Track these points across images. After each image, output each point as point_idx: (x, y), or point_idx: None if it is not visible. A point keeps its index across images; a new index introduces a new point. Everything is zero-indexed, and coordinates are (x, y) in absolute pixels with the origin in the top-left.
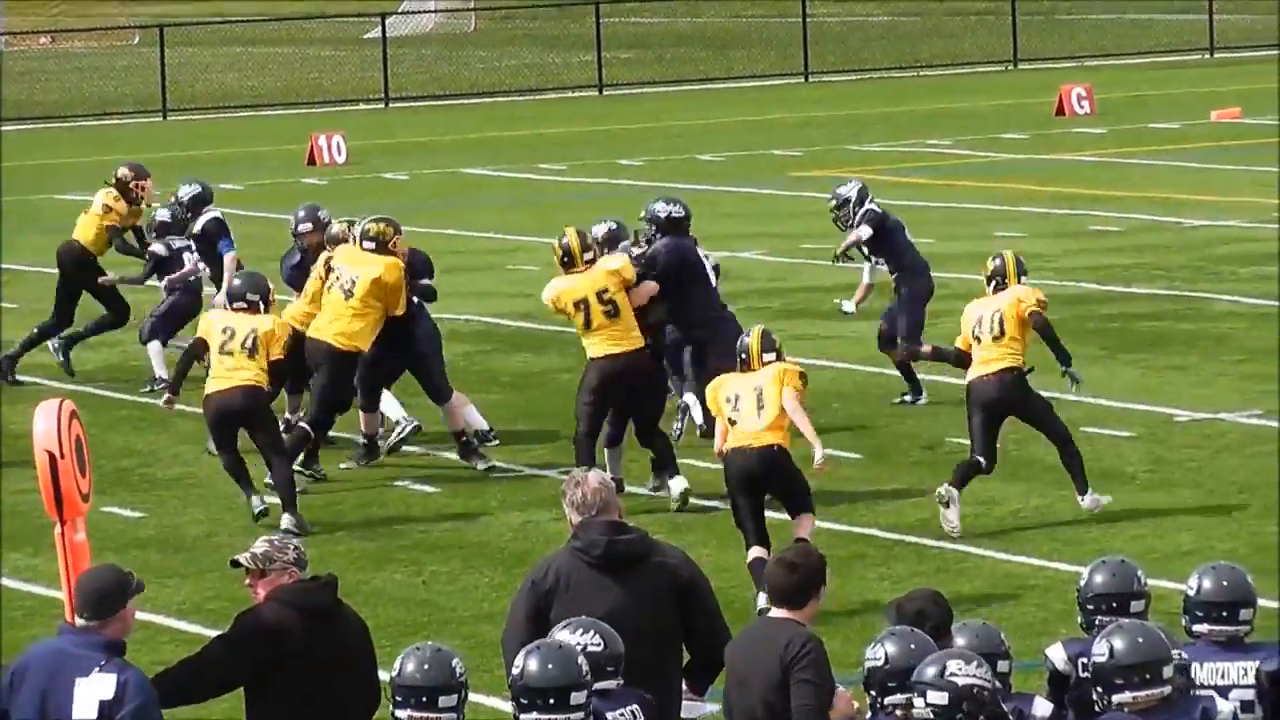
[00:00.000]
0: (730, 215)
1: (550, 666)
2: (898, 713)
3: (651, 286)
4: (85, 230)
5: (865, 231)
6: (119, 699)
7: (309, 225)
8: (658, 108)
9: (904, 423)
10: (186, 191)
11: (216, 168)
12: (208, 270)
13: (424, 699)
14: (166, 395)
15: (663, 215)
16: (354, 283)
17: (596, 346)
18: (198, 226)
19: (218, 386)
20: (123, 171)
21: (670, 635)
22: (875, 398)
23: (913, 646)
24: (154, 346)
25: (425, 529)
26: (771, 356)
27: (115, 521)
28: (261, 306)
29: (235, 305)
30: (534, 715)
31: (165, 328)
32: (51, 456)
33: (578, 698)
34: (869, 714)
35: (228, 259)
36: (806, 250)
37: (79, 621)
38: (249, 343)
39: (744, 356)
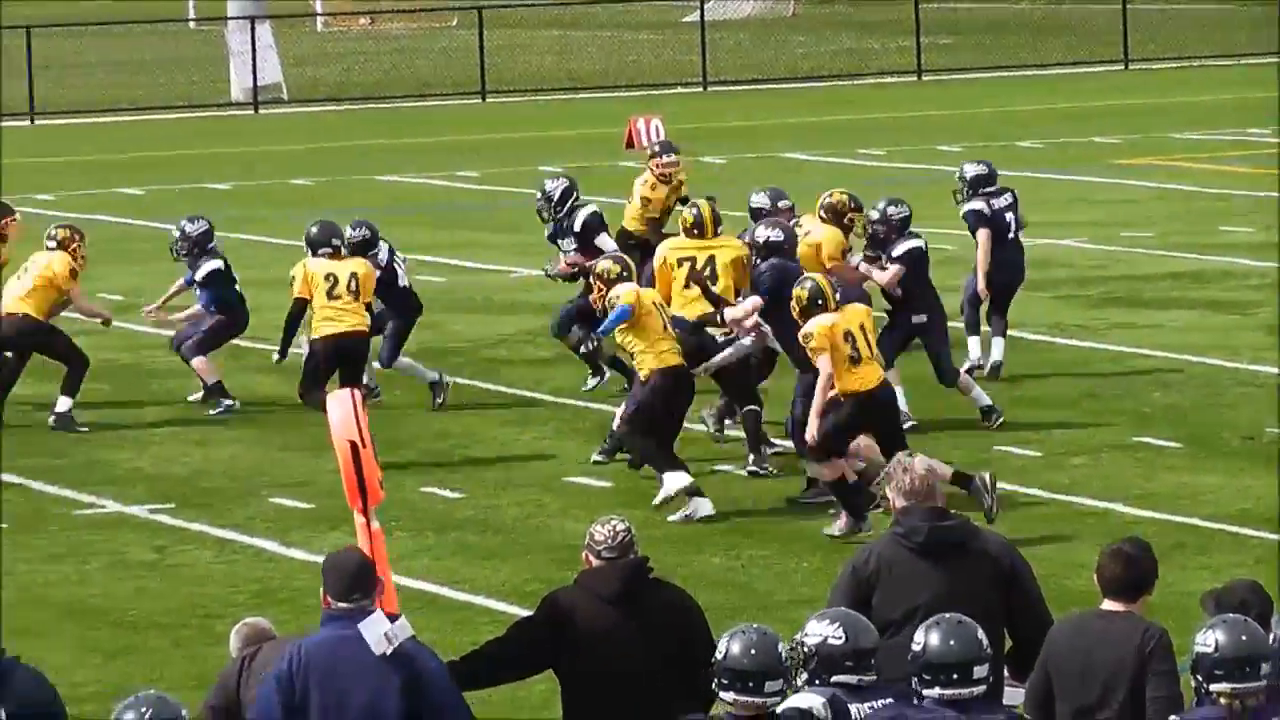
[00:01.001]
0: (1049, 202)
1: (753, 652)
2: (1222, 700)
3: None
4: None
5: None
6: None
7: (786, 203)
8: (976, 94)
9: (1223, 412)
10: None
11: (534, 150)
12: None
13: (750, 684)
14: (277, 358)
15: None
16: None
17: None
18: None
19: (332, 329)
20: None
21: (992, 622)
22: (1194, 387)
23: (1244, 637)
24: (199, 362)
25: (744, 513)
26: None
27: (435, 502)
28: (344, 251)
29: (320, 251)
30: (731, 695)
31: (210, 345)
32: (353, 445)
33: (772, 685)
34: (1194, 700)
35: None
36: (1126, 239)
37: (342, 605)
38: (353, 285)
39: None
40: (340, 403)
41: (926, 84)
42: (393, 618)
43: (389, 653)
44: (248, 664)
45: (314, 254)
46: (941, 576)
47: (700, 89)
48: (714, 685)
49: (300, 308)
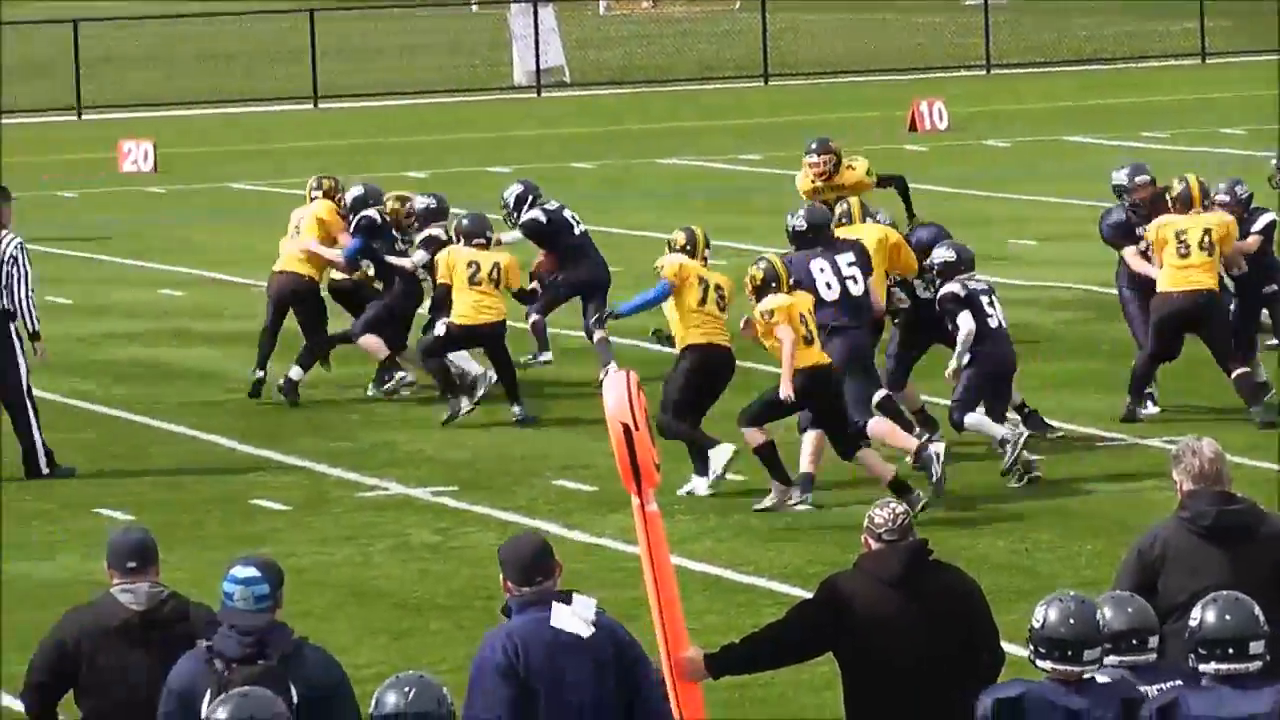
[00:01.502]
0: None
1: (1071, 621)
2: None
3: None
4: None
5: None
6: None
7: (1145, 178)
8: (1260, 76)
9: None
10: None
11: (816, 133)
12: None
13: (1068, 652)
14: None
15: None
16: None
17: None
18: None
19: (469, 320)
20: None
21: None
22: None
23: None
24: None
25: (1028, 496)
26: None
27: (717, 484)
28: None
29: (475, 242)
30: (1049, 664)
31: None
32: (626, 429)
33: (1090, 654)
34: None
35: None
36: None
37: (526, 590)
38: (494, 274)
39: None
40: (615, 385)
41: (1210, 66)
42: (564, 595)
43: (592, 631)
44: None
45: (467, 243)
46: (1228, 560)
47: (983, 72)
48: (1030, 654)
49: (444, 293)
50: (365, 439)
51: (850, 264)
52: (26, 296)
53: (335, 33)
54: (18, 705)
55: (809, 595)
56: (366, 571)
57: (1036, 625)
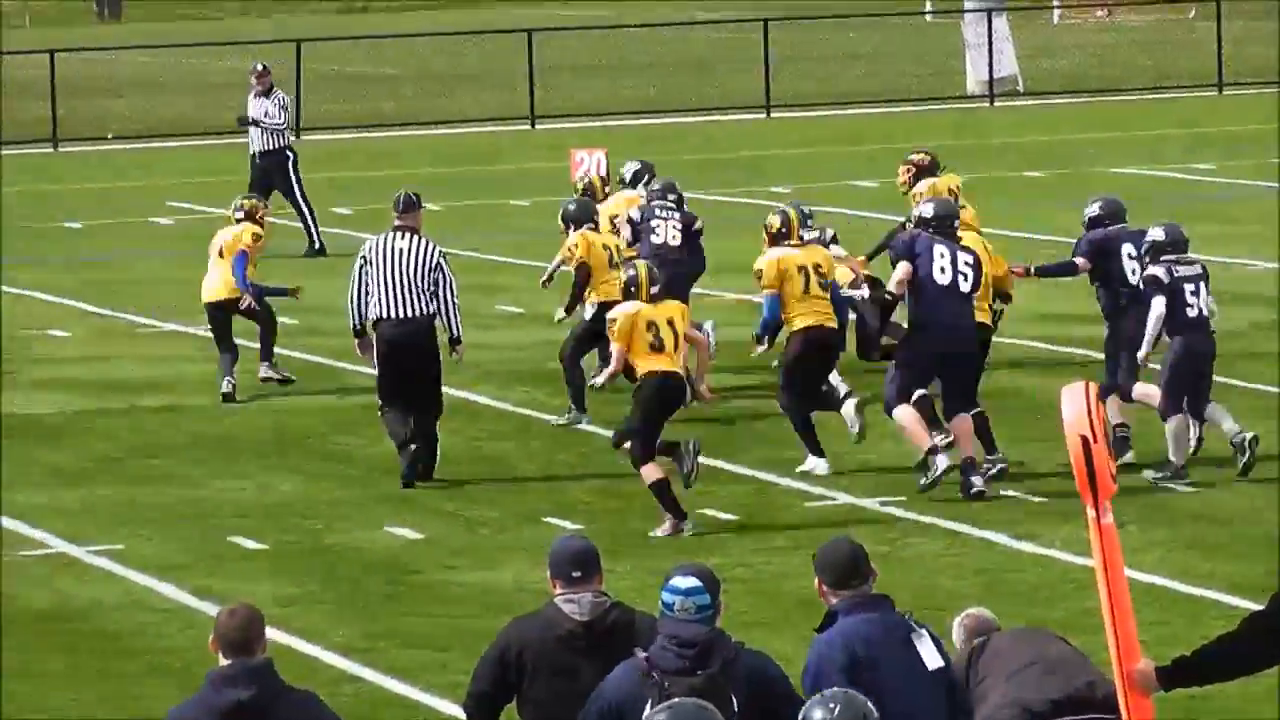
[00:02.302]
0: None
1: None
2: None
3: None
4: None
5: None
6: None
7: None
8: None
9: None
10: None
11: (1271, 141)
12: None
13: None
14: (561, 317)
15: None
16: None
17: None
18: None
19: (607, 296)
20: None
21: None
22: None
23: None
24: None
25: None
26: None
27: (1167, 496)
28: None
29: (586, 226)
30: None
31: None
32: (1084, 440)
33: None
34: None
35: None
36: None
37: (843, 594)
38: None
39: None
40: (1073, 397)
41: None
42: (888, 599)
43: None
44: (975, 657)
45: (576, 229)
46: None
47: None
48: None
49: (586, 274)
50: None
51: (967, 264)
52: (452, 302)
53: (788, 41)
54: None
55: (1259, 608)
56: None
57: None
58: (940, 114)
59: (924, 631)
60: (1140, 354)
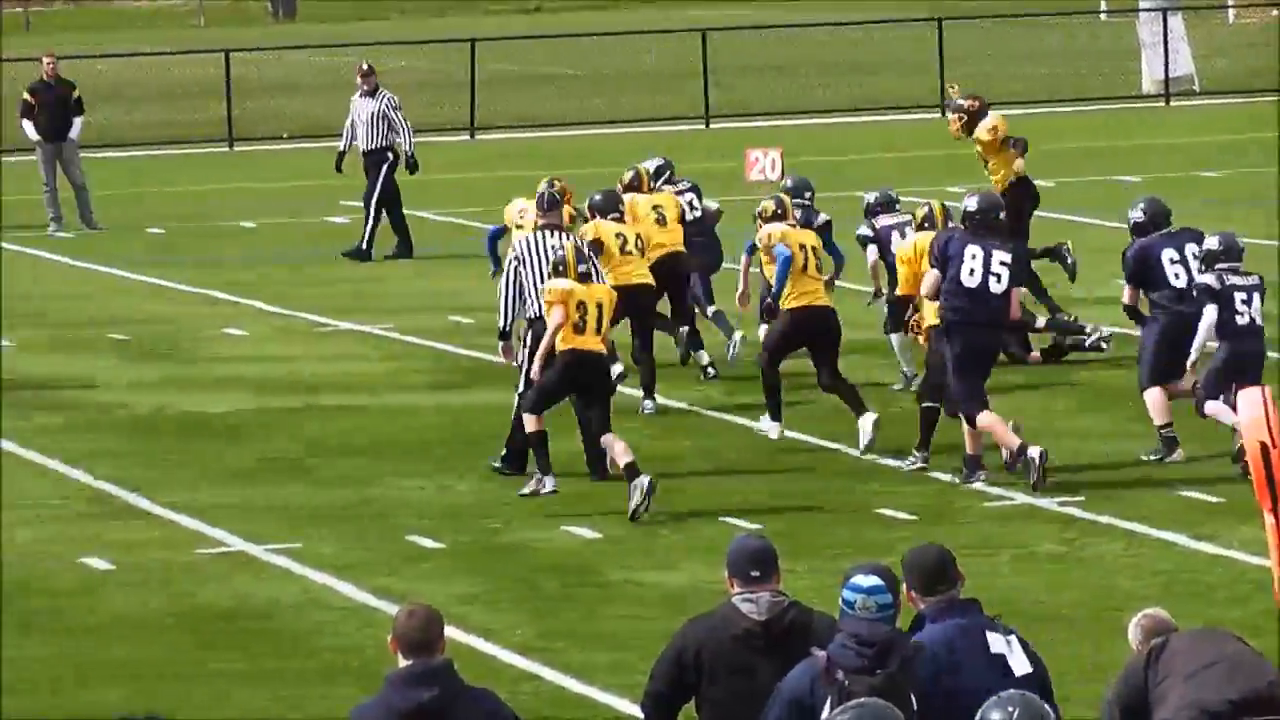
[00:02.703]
0: None
1: None
2: None
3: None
4: None
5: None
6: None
7: None
8: None
9: None
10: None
11: None
12: None
13: None
14: None
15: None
16: None
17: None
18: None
19: (623, 280)
20: None
21: None
22: None
23: None
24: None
25: None
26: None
27: None
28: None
29: (610, 216)
30: None
31: None
32: (1264, 446)
33: None
34: None
35: None
36: None
37: (931, 599)
38: (639, 244)
39: None
40: (1252, 402)
41: None
42: (977, 604)
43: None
44: (1154, 658)
45: (603, 218)
46: None
47: None
48: None
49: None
50: (994, 448)
51: (1002, 263)
52: None
53: (962, 41)
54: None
55: None
56: (992, 581)
57: None
58: (1115, 113)
59: (1012, 637)
60: (1189, 360)
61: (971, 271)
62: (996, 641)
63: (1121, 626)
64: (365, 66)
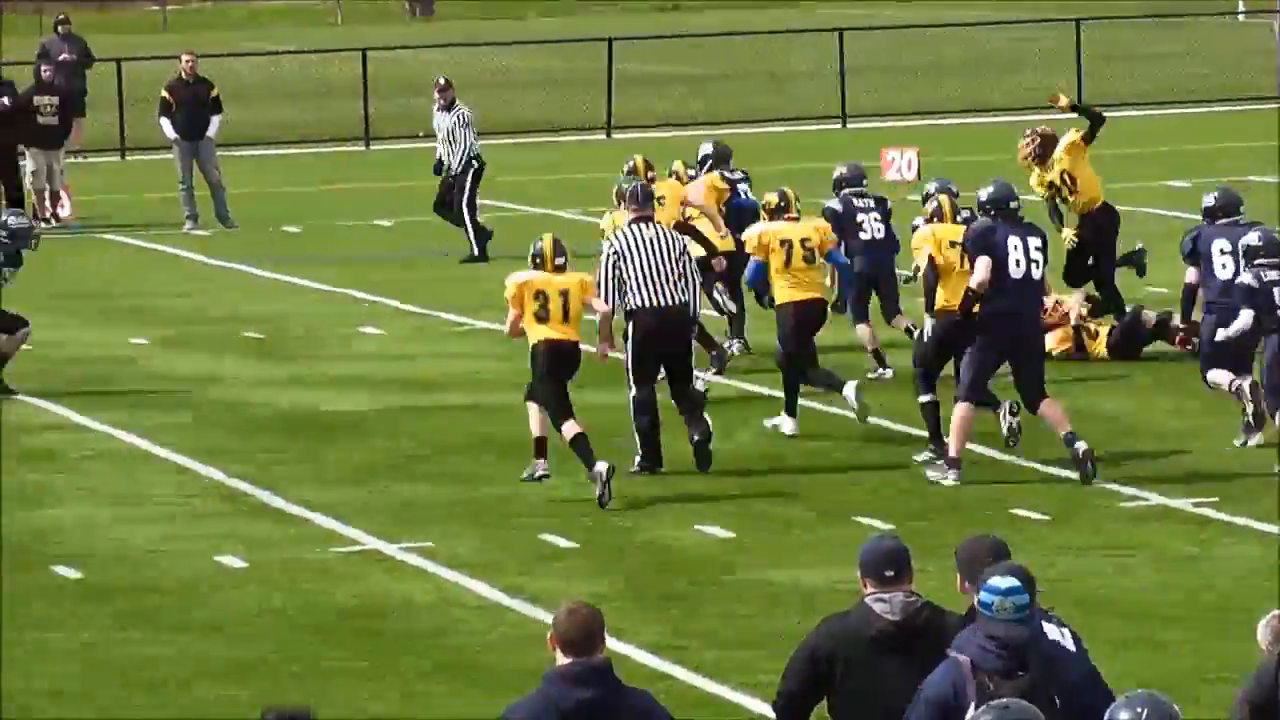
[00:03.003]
0: None
1: None
2: None
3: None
4: None
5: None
6: None
7: None
8: None
9: None
10: None
11: None
12: None
13: None
14: None
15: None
16: None
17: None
18: None
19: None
20: None
21: None
22: None
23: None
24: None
25: None
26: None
27: None
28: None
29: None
30: None
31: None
32: None
33: None
34: None
35: None
36: None
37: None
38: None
39: None
40: None
41: None
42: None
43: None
44: None
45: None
46: None
47: None
48: None
49: None
50: (1127, 449)
51: (1038, 248)
52: (697, 284)
53: (1102, 40)
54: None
55: None
56: (1124, 580)
57: None
58: (1251, 115)
59: (1066, 630)
60: (1217, 338)
61: (1017, 263)
62: (1052, 632)
63: (1252, 628)
64: (442, 81)
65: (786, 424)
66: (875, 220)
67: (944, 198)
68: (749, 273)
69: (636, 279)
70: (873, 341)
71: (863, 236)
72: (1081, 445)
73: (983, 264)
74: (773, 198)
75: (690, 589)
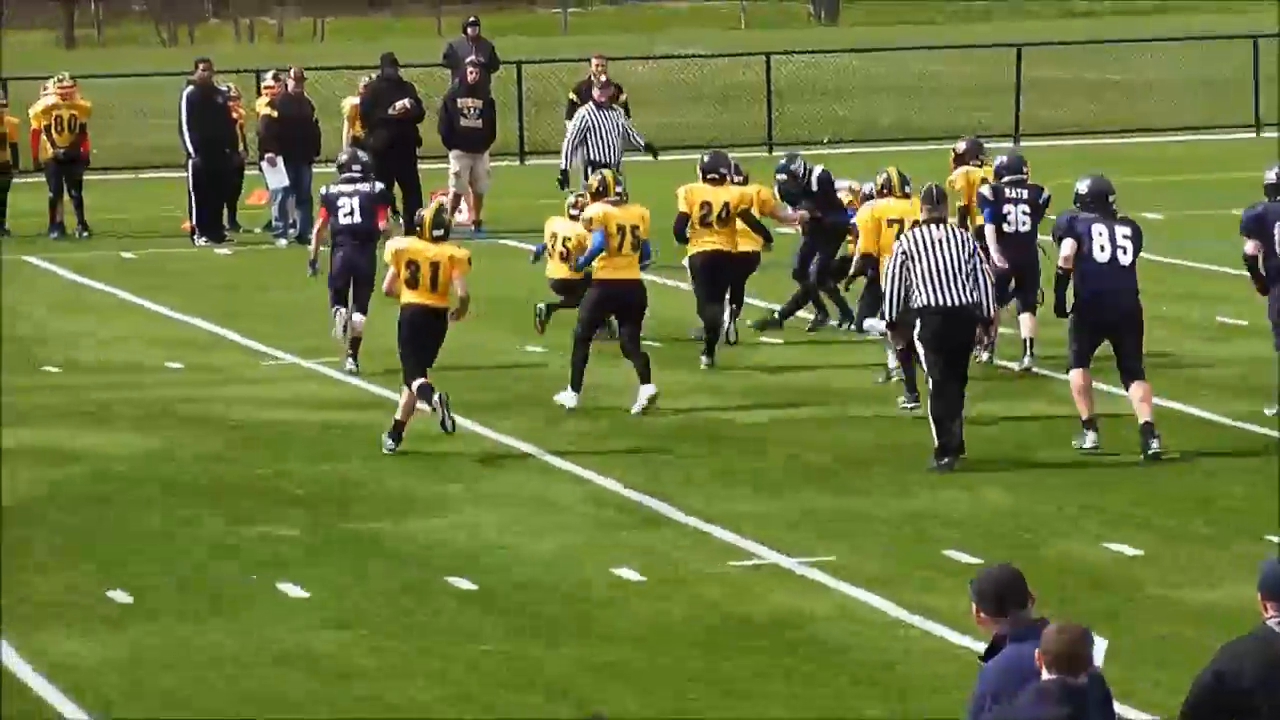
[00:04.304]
0: None
1: None
2: None
3: None
4: None
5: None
6: None
7: None
8: None
9: None
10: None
11: None
12: None
13: None
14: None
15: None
16: None
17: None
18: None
19: (699, 247)
20: None
21: None
22: None
23: None
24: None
25: None
26: None
27: None
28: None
29: (709, 177)
30: None
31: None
32: None
33: None
34: None
35: None
36: None
37: (1003, 619)
38: (724, 213)
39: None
40: None
41: None
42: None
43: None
44: None
45: (704, 179)
46: None
47: None
48: None
49: (682, 223)
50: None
51: (1126, 236)
52: (989, 285)
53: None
54: None
55: None
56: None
57: None
58: None
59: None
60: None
61: (1101, 248)
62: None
63: None
64: (604, 78)
65: (568, 399)
66: (1023, 213)
67: (893, 170)
68: (592, 249)
69: (923, 279)
70: (1031, 330)
71: (1005, 228)
72: (1154, 444)
73: (1067, 244)
74: (593, 181)
75: (1097, 605)
